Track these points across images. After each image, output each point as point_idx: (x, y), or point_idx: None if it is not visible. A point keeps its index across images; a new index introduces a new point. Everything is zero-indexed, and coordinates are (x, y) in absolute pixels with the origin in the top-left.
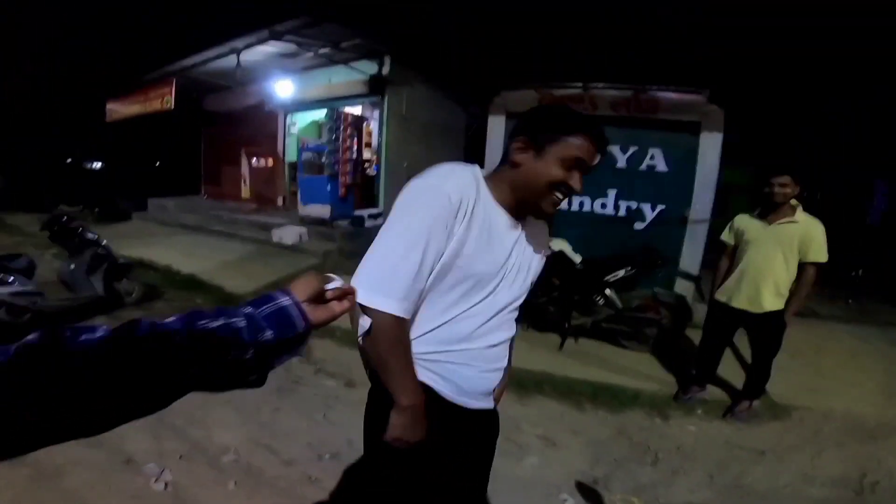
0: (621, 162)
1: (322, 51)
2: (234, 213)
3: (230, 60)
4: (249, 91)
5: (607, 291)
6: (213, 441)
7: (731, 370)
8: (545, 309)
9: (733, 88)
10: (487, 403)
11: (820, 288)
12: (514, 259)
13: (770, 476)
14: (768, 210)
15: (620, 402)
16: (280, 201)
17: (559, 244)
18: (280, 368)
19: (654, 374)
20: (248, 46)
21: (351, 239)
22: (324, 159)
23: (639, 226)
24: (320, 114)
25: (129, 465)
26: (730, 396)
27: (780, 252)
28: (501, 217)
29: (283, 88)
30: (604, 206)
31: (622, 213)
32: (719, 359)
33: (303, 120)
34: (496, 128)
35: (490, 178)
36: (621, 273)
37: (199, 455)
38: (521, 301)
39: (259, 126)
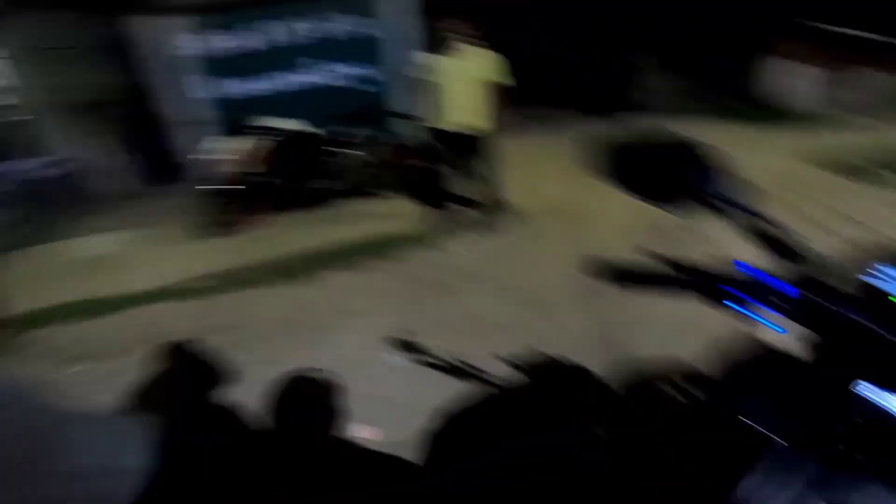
0: (323, 33)
1: None
2: None
3: None
4: None
5: (353, 151)
6: None
7: (472, 190)
8: (304, 188)
9: None
10: None
11: (511, 105)
12: None
13: (537, 274)
14: (447, 47)
15: (400, 248)
16: None
17: (293, 124)
18: None
19: (417, 211)
20: None
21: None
22: None
23: (362, 87)
24: None
25: None
26: (480, 213)
27: (469, 80)
28: None
29: None
30: (324, 77)
31: (343, 82)
32: (460, 179)
33: None
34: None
35: None
36: (360, 132)
37: None
38: None
39: None
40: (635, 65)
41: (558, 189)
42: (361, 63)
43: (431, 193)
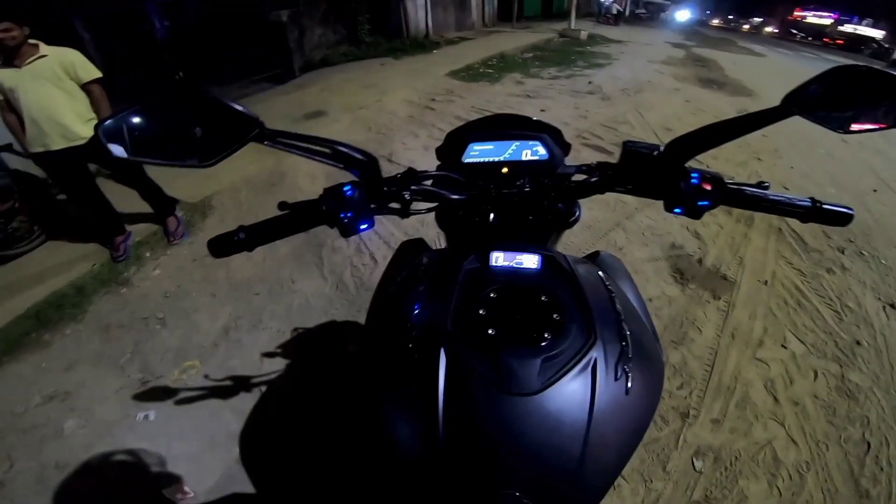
0: None
1: None
2: None
3: None
4: None
5: None
6: None
7: (132, 200)
8: None
9: None
10: None
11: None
12: None
13: (246, 261)
14: (10, 57)
15: (74, 305)
16: None
17: None
18: None
19: (75, 256)
20: None
21: None
22: None
23: None
24: None
25: None
26: (157, 222)
27: (52, 87)
28: None
29: None
30: None
31: None
32: (103, 199)
33: None
34: None
35: None
36: None
37: None
38: None
39: None
40: (285, 24)
41: (229, 166)
42: None
43: (74, 227)
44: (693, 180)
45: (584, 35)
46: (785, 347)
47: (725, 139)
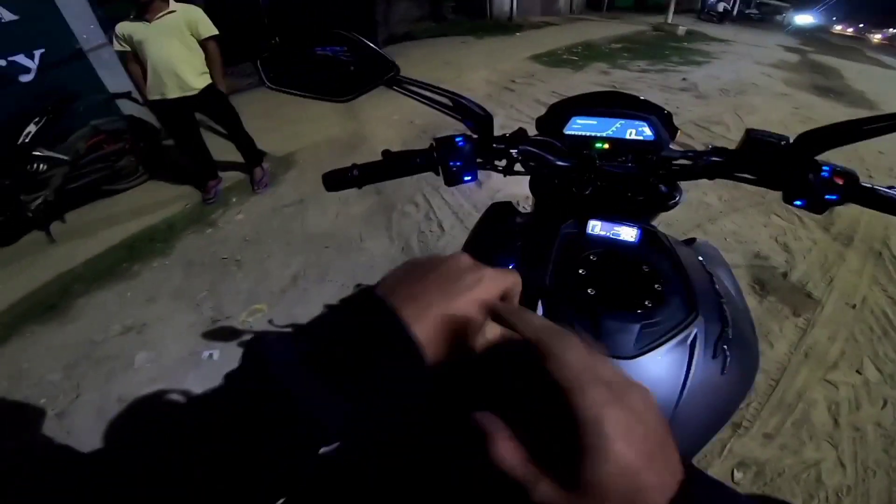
0: None
1: None
2: None
3: None
4: None
5: (38, 153)
6: None
7: (226, 150)
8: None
9: None
10: None
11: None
12: None
13: (320, 215)
14: (142, 11)
15: (164, 240)
16: None
17: None
18: None
19: (170, 195)
20: None
21: None
22: None
23: (27, 78)
24: None
25: None
26: (245, 171)
27: (176, 41)
28: None
29: None
30: None
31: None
32: (204, 146)
33: None
34: None
35: None
36: (32, 128)
37: None
38: None
39: None
40: None
41: (315, 132)
42: (35, 49)
43: (174, 170)
44: (824, 173)
45: (681, 30)
46: (859, 373)
47: (859, 137)
